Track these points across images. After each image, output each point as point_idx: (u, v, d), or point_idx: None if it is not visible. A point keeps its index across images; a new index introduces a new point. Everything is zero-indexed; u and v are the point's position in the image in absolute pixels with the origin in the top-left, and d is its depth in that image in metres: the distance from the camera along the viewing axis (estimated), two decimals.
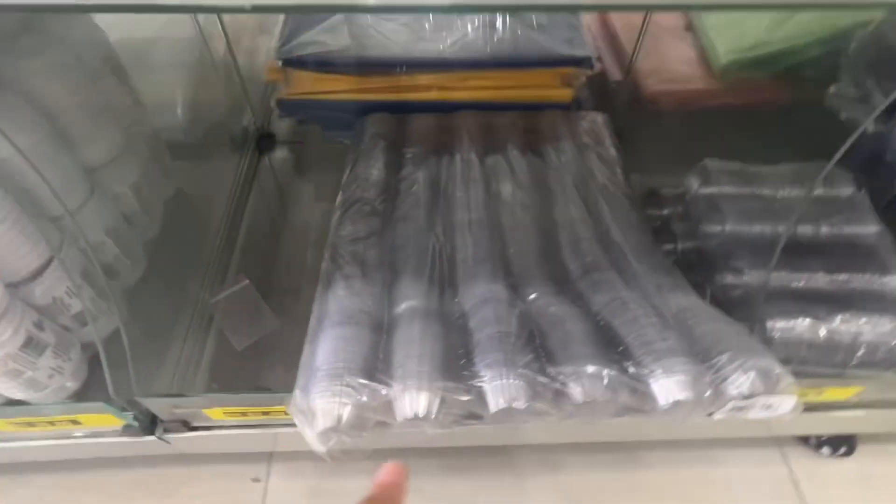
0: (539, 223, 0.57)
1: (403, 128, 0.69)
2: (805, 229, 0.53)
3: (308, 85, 0.71)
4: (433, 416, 0.36)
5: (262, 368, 0.57)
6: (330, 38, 0.67)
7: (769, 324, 0.45)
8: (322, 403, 0.36)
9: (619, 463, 0.61)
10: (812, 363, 0.45)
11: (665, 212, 0.64)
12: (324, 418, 0.36)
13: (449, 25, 0.71)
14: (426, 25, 0.70)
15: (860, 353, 0.44)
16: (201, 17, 0.75)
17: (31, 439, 0.50)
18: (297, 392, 0.38)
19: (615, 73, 0.79)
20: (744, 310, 0.48)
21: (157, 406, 0.46)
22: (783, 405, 0.38)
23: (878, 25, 0.64)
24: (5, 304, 0.43)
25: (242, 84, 0.77)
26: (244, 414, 0.47)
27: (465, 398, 0.36)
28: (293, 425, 0.41)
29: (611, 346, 0.41)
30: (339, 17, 0.69)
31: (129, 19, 0.67)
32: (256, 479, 0.60)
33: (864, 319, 0.45)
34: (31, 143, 0.45)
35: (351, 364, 0.38)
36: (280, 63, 0.68)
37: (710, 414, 0.40)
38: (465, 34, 0.70)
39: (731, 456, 0.62)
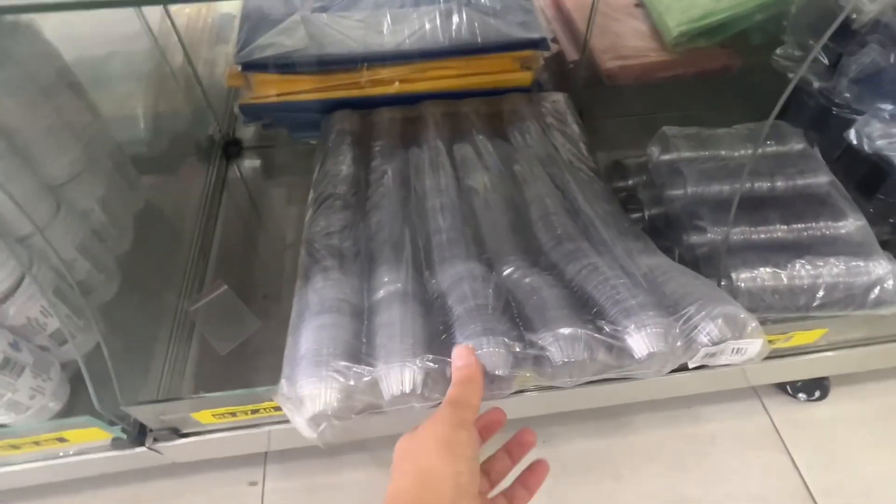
0: (509, 202, 0.58)
1: (369, 122, 0.69)
2: (761, 184, 0.55)
3: (269, 88, 0.71)
4: (419, 390, 0.37)
5: (248, 372, 0.56)
6: (287, 38, 0.67)
7: (734, 275, 0.47)
8: (309, 389, 0.36)
9: (606, 430, 0.63)
10: (778, 309, 0.47)
11: (630, 182, 0.65)
12: (312, 403, 0.36)
13: (405, 18, 0.71)
14: (383, 20, 0.71)
15: (820, 294, 0.46)
16: (156, 28, 0.75)
17: (15, 463, 0.49)
18: (282, 381, 0.38)
19: (572, 54, 0.81)
20: (710, 266, 0.50)
21: (145, 414, 0.46)
22: (751, 348, 0.39)
23: None
24: None
25: (204, 92, 0.77)
26: (233, 415, 0.47)
27: (448, 370, 0.37)
28: (285, 421, 0.41)
29: (585, 309, 0.42)
30: (295, 17, 0.69)
31: (81, 34, 0.66)
32: (253, 483, 0.60)
33: (821, 263, 0.47)
34: None
35: (334, 350, 0.38)
36: (240, 68, 0.68)
37: (686, 364, 0.41)
38: (421, 26, 0.70)
39: (713, 411, 0.64)
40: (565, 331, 0.38)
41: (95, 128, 0.59)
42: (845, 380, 0.64)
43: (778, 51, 0.70)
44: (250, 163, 0.78)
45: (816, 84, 0.65)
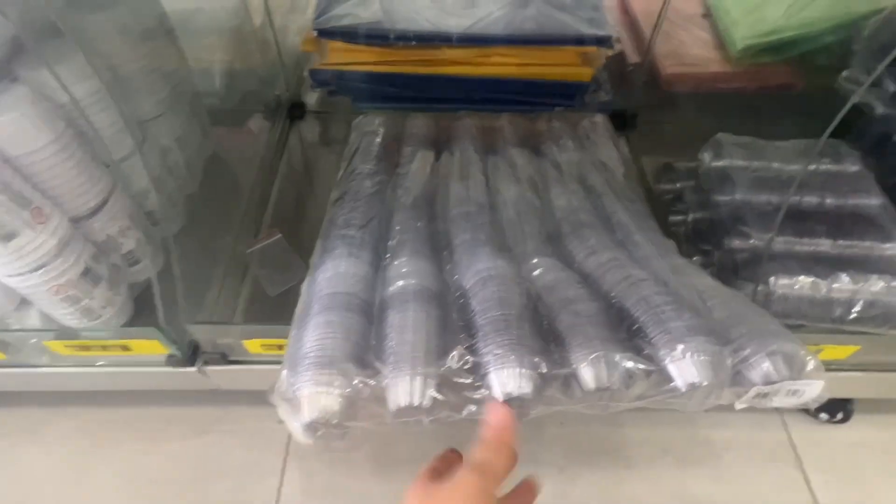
0: (539, 213, 0.54)
1: (401, 126, 0.69)
2: (811, 198, 0.55)
3: (340, 56, 0.74)
4: (428, 404, 0.33)
5: (293, 314, 0.60)
6: (363, 10, 0.71)
7: (773, 280, 0.48)
8: (308, 393, 0.33)
9: (623, 419, 0.64)
10: (812, 318, 0.48)
11: (678, 185, 0.67)
12: (310, 409, 0.33)
13: (477, 3, 0.74)
14: (456, 3, 0.74)
15: (857, 308, 0.47)
16: None
17: (81, 364, 0.54)
18: (282, 376, 0.35)
19: (633, 56, 0.82)
20: (749, 270, 0.51)
21: (203, 334, 0.50)
22: (809, 391, 0.35)
23: (891, 12, 0.67)
24: (69, 235, 0.47)
25: (280, 54, 0.81)
26: (280, 347, 0.51)
27: (467, 386, 0.33)
28: None
29: (622, 325, 0.38)
30: None
31: None
32: (281, 422, 0.64)
33: (862, 278, 0.47)
34: (90, 92, 0.49)
35: (339, 351, 0.35)
36: (316, 34, 0.72)
37: (732, 403, 0.37)
38: (491, 12, 0.73)
39: (732, 418, 0.65)
40: (601, 353, 0.34)
41: (181, 74, 0.64)
42: (871, 406, 0.64)
43: (844, 73, 0.70)
44: (311, 126, 0.82)
45: (881, 110, 0.65)
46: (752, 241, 0.52)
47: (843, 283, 0.47)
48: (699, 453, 0.63)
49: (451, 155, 0.63)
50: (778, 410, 0.66)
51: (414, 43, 0.72)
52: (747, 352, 0.34)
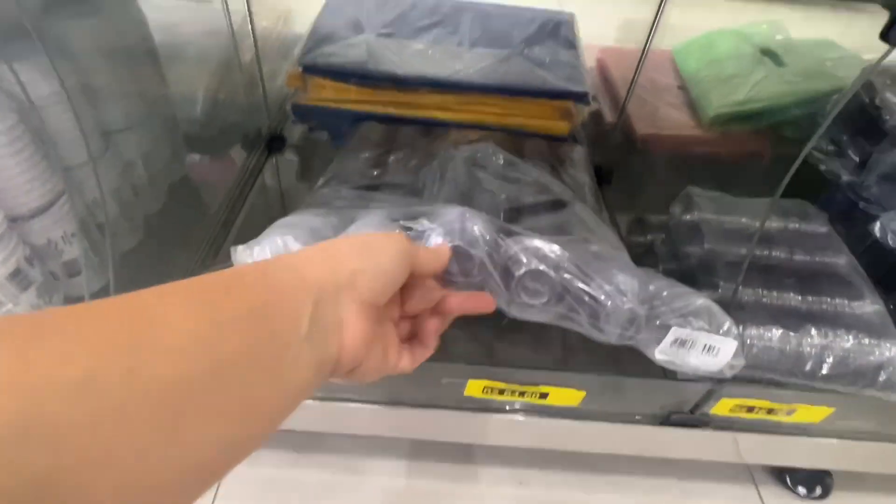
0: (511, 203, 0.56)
1: (393, 134, 0.72)
2: (779, 254, 0.55)
3: (322, 92, 0.76)
4: None
5: None
6: (349, 50, 0.73)
7: (744, 332, 0.46)
8: (274, 244, 0.39)
9: (590, 483, 0.59)
10: (782, 372, 0.45)
11: (649, 237, 0.66)
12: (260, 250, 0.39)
13: (459, 55, 0.77)
14: (438, 53, 0.77)
15: (828, 361, 0.44)
16: (236, 27, 0.82)
17: None
18: (250, 241, 0.41)
19: (610, 117, 0.84)
20: None
21: None
22: (724, 349, 0.39)
23: (852, 88, 0.70)
24: (2, 229, 0.44)
25: (264, 91, 0.82)
26: None
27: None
28: None
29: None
30: (360, 38, 0.75)
31: (171, 17, 0.73)
32: None
33: (831, 333, 0.46)
34: (49, 94, 0.48)
35: (309, 225, 0.42)
36: (301, 69, 0.74)
37: (653, 348, 0.41)
38: (473, 64, 0.76)
39: (705, 489, 0.60)
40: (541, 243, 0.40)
41: (158, 95, 0.64)
42: (851, 482, 0.60)
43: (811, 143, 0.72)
44: (289, 159, 0.82)
45: (846, 178, 0.66)
46: (720, 291, 0.51)
47: (813, 337, 0.45)
48: None
49: (433, 158, 0.64)
50: (753, 480, 0.61)
51: (396, 85, 0.74)
52: (670, 298, 0.40)
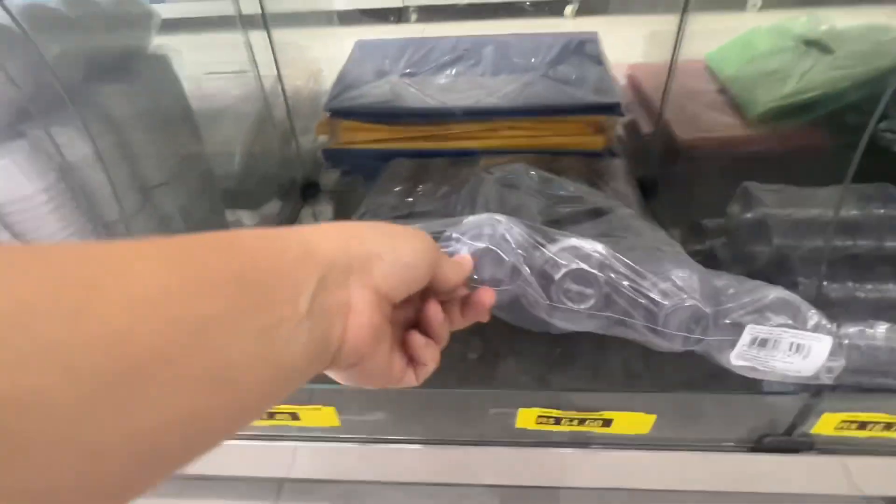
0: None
1: (422, 169, 0.71)
2: (866, 243, 0.48)
3: (350, 136, 0.77)
4: None
5: None
6: (374, 91, 0.74)
7: (839, 330, 0.39)
8: None
9: None
10: (895, 375, 0.38)
11: (708, 244, 0.60)
12: None
13: (484, 84, 0.76)
14: (463, 85, 0.76)
15: None
16: (268, 88, 0.86)
17: None
18: None
19: (647, 128, 0.81)
20: None
21: None
22: (816, 348, 0.33)
23: None
24: None
25: (297, 143, 0.85)
26: None
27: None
28: (316, 439, 0.38)
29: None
30: (384, 79, 0.77)
31: (206, 81, 0.77)
32: None
33: None
34: (87, 155, 0.50)
35: None
36: (328, 114, 0.75)
37: (727, 354, 0.35)
38: (499, 90, 0.75)
39: None
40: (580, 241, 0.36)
41: (193, 152, 0.67)
42: None
43: (882, 125, 0.65)
44: (324, 205, 0.82)
45: None
46: (800, 289, 0.44)
47: None
48: None
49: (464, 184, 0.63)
50: None
51: (422, 119, 0.74)
52: (741, 294, 0.34)
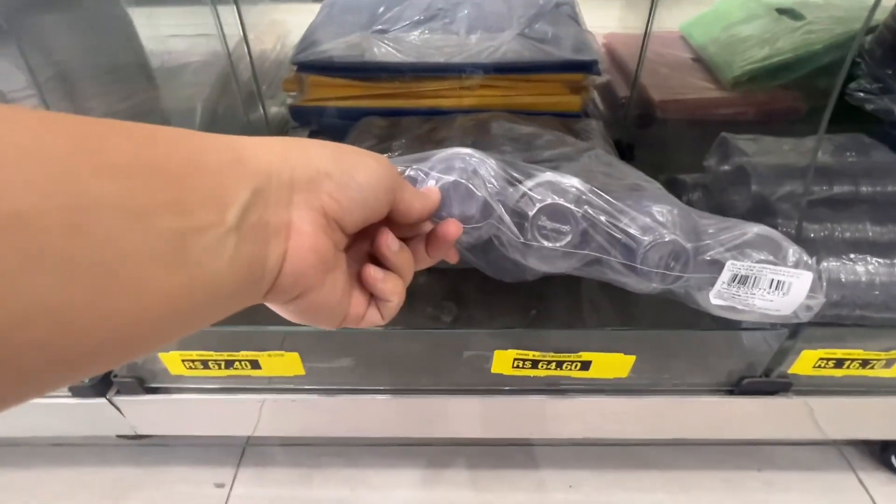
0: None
1: (393, 127, 0.69)
2: (843, 188, 0.47)
3: (320, 91, 0.73)
4: None
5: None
6: (343, 45, 0.71)
7: (821, 265, 0.39)
8: None
9: (650, 482, 0.50)
10: (877, 307, 0.37)
11: (686, 197, 0.59)
12: None
13: (459, 42, 0.74)
14: (436, 41, 0.74)
15: None
16: (231, 46, 0.81)
17: None
18: None
19: (624, 91, 0.80)
20: None
21: None
22: (797, 285, 0.32)
23: (886, 23, 0.64)
24: None
25: (263, 106, 0.81)
26: (206, 365, 0.41)
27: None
28: (282, 390, 0.35)
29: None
30: (355, 34, 0.73)
31: (164, 31, 0.72)
32: (220, 485, 0.51)
33: None
34: (33, 83, 0.46)
35: None
36: (295, 69, 0.71)
37: (706, 293, 0.34)
38: (473, 47, 0.72)
39: (791, 480, 0.50)
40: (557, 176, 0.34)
41: (148, 102, 0.62)
42: None
43: (851, 85, 0.65)
44: None
45: None
46: (780, 231, 0.44)
47: None
48: None
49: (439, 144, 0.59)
50: (850, 466, 0.51)
51: (394, 75, 0.71)
52: (719, 231, 0.33)
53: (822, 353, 0.40)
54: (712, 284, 0.35)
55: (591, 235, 0.35)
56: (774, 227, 0.45)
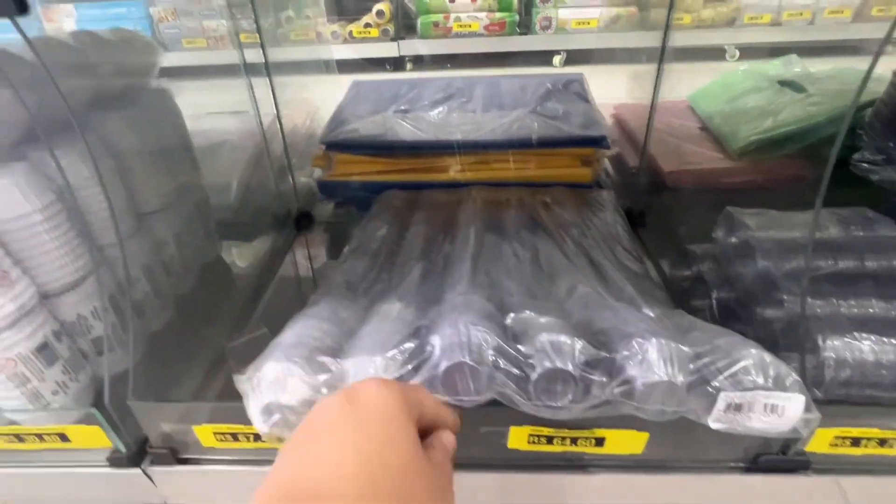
0: (535, 270, 0.55)
1: (414, 199, 0.73)
2: (848, 263, 0.49)
3: (345, 168, 0.79)
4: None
5: None
6: (368, 125, 0.77)
7: (821, 340, 0.40)
8: (272, 374, 0.35)
9: None
10: (883, 387, 0.38)
11: (695, 269, 0.61)
12: (270, 390, 0.35)
13: (474, 120, 0.79)
14: (454, 120, 0.79)
15: None
16: (265, 123, 0.88)
17: (12, 464, 0.47)
18: (250, 366, 0.37)
19: (634, 162, 0.83)
20: (791, 337, 0.43)
21: (144, 412, 0.43)
22: (791, 407, 0.33)
23: (884, 96, 0.67)
24: (32, 303, 0.45)
25: (293, 177, 0.86)
26: (235, 437, 0.43)
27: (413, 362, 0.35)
28: None
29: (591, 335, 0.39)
30: (379, 115, 0.79)
31: (205, 109, 0.79)
32: None
33: None
34: (86, 177, 0.51)
35: (314, 344, 0.38)
36: (324, 148, 0.77)
37: (706, 418, 0.35)
38: (489, 125, 0.77)
39: None
40: (558, 338, 0.36)
41: (191, 182, 0.68)
42: None
43: (855, 156, 0.68)
44: (318, 235, 0.83)
45: None
46: (786, 306, 0.45)
47: None
48: None
49: (456, 227, 0.63)
50: None
51: (414, 152, 0.76)
52: (713, 358, 0.34)
53: (836, 431, 0.40)
54: (710, 410, 0.36)
55: (591, 387, 0.37)
56: (781, 301, 0.46)
